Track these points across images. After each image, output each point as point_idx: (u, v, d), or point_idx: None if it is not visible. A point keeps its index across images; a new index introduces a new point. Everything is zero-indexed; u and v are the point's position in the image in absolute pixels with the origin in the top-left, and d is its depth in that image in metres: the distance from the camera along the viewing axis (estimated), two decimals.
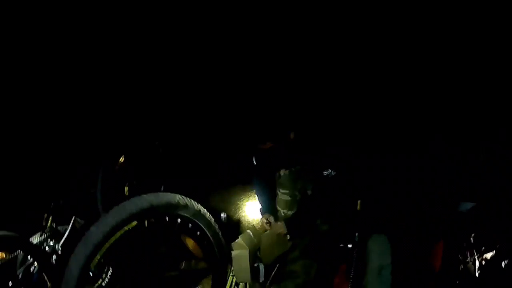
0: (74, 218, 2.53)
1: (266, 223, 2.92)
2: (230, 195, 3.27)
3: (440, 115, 3.23)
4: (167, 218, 2.19)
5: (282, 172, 3.02)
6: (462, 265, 2.74)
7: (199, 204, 2.29)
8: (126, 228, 2.04)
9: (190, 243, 2.32)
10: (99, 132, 3.21)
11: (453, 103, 3.20)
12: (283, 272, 3.05)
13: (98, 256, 1.98)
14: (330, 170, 2.72)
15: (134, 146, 3.18)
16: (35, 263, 2.45)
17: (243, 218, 3.09)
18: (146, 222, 2.14)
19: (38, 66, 3.15)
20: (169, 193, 2.17)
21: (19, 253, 2.48)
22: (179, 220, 2.23)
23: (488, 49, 3.20)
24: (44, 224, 2.69)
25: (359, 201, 3.01)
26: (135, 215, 2.04)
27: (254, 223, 2.91)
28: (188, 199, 2.24)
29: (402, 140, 3.26)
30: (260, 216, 2.97)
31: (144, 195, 2.09)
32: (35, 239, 2.52)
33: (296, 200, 3.05)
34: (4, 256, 2.48)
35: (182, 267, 2.33)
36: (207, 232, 2.33)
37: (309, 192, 3.02)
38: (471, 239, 2.74)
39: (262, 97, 3.42)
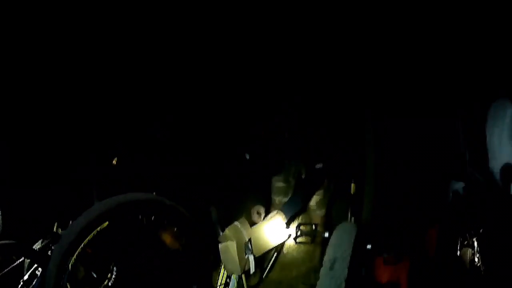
0: (71, 223, 2.71)
1: (257, 213, 2.98)
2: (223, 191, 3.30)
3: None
4: (140, 217, 2.29)
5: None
6: (458, 250, 2.58)
7: (171, 201, 2.37)
8: (98, 228, 2.16)
9: (167, 239, 2.39)
10: (95, 133, 3.34)
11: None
12: (283, 261, 3.09)
13: (74, 257, 2.12)
14: (321, 164, 2.97)
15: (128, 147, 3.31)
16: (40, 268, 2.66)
17: (233, 211, 3.12)
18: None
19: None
20: (139, 193, 2.27)
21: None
22: (153, 217, 2.32)
23: None
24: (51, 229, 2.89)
25: (353, 184, 2.97)
26: (105, 215, 2.16)
27: (244, 215, 2.93)
28: (160, 197, 2.33)
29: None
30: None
31: (114, 196, 2.21)
32: (39, 244, 2.73)
33: (291, 185, 3.17)
34: None
35: (162, 263, 2.41)
36: (184, 227, 2.41)
37: (303, 176, 3.09)
38: (467, 221, 2.57)
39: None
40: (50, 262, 2.08)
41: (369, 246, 2.42)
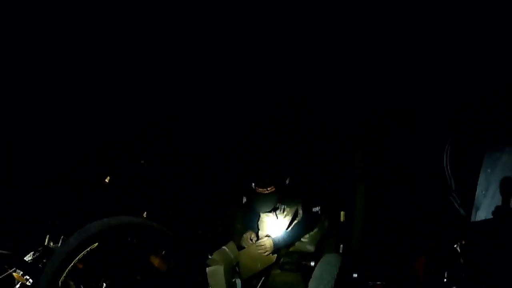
0: (63, 238, 2.78)
1: (250, 239, 3.03)
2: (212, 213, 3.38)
3: None
4: (129, 239, 2.35)
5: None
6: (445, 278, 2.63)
7: (160, 225, 2.44)
8: (88, 248, 2.23)
9: (156, 261, 2.46)
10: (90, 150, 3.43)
11: None
12: (271, 285, 3.14)
13: (64, 274, 2.18)
14: (318, 208, 3.03)
15: (120, 166, 3.39)
16: (30, 280, 2.73)
17: (222, 235, 3.19)
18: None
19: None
20: (129, 216, 2.34)
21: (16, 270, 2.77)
22: (141, 240, 2.39)
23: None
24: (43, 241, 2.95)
25: (342, 212, 3.02)
26: (95, 236, 2.22)
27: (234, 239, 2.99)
28: (150, 221, 2.40)
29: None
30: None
31: (106, 218, 2.28)
32: (30, 256, 2.80)
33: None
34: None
35: (150, 284, 2.47)
36: (171, 250, 2.47)
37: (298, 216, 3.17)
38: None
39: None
40: (42, 277, 2.14)
41: (355, 275, 2.46)
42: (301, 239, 3.13)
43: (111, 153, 3.55)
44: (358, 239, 2.59)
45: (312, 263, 2.63)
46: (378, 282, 2.50)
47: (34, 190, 3.18)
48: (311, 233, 3.13)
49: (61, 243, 2.22)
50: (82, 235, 2.21)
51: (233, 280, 2.76)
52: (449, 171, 2.66)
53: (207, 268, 2.72)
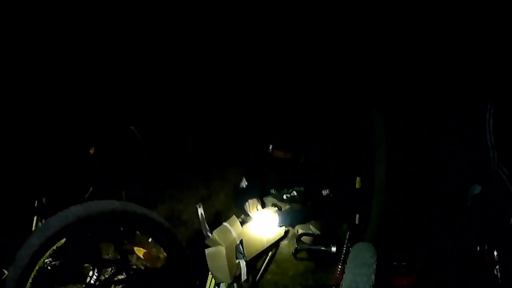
0: (36, 218, 2.40)
1: (255, 208, 2.66)
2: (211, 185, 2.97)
3: None
4: (105, 229, 1.94)
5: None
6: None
7: (144, 208, 2.02)
8: (54, 247, 1.83)
9: (140, 252, 2.05)
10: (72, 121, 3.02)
11: None
12: (279, 259, 2.79)
13: (30, 280, 1.80)
14: (328, 191, 2.72)
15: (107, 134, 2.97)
16: None
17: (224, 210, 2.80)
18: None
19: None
20: (103, 201, 1.92)
21: None
22: (121, 229, 1.98)
23: None
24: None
25: (358, 178, 2.58)
26: (61, 232, 1.82)
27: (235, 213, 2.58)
28: (130, 203, 1.97)
29: None
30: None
31: (72, 207, 1.86)
32: None
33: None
34: None
35: (138, 277, 2.08)
36: (160, 236, 2.06)
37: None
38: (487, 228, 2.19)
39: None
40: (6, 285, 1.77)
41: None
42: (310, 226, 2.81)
43: (94, 119, 3.10)
44: (377, 213, 2.14)
45: (334, 249, 2.19)
46: (403, 263, 2.07)
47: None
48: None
49: (24, 244, 1.80)
50: (45, 233, 1.81)
51: (237, 261, 2.36)
52: (492, 140, 2.16)
53: (206, 250, 2.32)
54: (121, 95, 3.31)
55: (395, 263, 2.08)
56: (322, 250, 2.18)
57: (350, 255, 1.93)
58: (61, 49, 3.10)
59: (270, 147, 2.72)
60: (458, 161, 2.44)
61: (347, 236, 2.14)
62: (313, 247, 2.25)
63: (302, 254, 2.46)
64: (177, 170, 3.12)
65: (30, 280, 1.82)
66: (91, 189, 2.88)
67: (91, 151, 2.82)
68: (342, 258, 2.02)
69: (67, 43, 3.08)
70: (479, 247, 2.14)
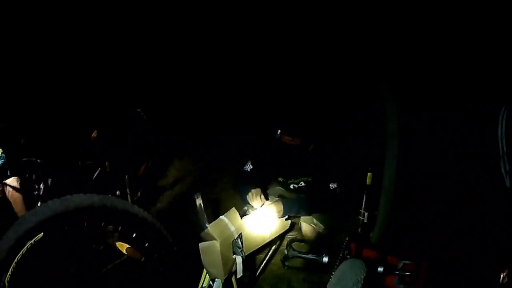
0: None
1: (259, 198, 2.48)
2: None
3: None
4: (85, 224, 1.86)
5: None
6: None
7: (126, 202, 1.93)
8: (31, 242, 1.78)
9: (123, 247, 1.97)
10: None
11: None
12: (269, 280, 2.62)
13: (7, 275, 1.77)
14: (335, 184, 2.54)
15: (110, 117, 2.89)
16: None
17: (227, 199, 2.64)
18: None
19: None
20: (81, 195, 1.83)
21: None
22: (102, 223, 1.90)
23: None
24: None
25: (369, 174, 2.34)
26: (37, 227, 1.76)
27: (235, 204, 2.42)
28: (110, 197, 1.88)
29: None
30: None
31: (50, 201, 1.79)
32: None
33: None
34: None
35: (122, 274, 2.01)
36: (143, 232, 1.96)
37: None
38: None
39: None
40: None
41: (380, 269, 1.83)
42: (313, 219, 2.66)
43: (98, 101, 3.03)
44: (385, 212, 1.89)
45: (325, 259, 1.99)
46: (407, 273, 1.83)
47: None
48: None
49: (2, 238, 1.76)
50: (21, 228, 1.76)
51: (233, 257, 2.23)
52: (504, 147, 1.90)
53: (200, 244, 2.21)
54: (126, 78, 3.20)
55: (399, 272, 1.84)
56: (314, 259, 1.98)
57: (336, 273, 1.72)
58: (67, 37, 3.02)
59: (278, 131, 2.53)
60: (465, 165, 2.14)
61: (344, 244, 1.93)
62: (304, 256, 2.05)
63: (292, 262, 2.26)
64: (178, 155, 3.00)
65: (9, 273, 1.78)
66: (98, 170, 2.85)
67: (94, 135, 2.76)
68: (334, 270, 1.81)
69: (74, 29, 3.00)
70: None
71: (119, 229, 1.97)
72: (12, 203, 2.68)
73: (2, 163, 2.59)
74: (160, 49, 3.33)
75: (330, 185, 2.53)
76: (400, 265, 1.85)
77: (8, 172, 2.65)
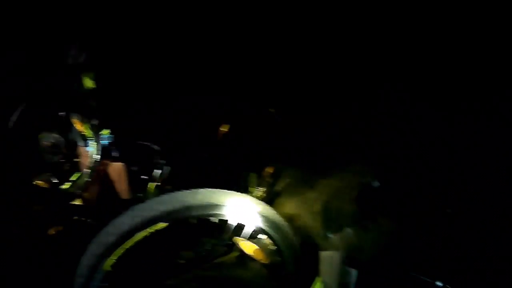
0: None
1: None
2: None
3: None
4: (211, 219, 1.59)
5: None
6: None
7: (264, 203, 1.63)
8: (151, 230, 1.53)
9: (245, 246, 1.72)
10: None
11: None
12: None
13: (112, 258, 1.53)
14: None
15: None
16: None
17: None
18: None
19: None
20: (215, 190, 1.56)
21: None
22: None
23: None
24: None
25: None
26: (163, 217, 1.51)
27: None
28: (243, 195, 1.63)
29: None
30: None
31: (180, 192, 1.54)
32: None
33: None
34: None
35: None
36: (271, 234, 1.70)
37: None
38: None
39: None
40: (83, 260, 1.54)
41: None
42: None
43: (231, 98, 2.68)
44: None
45: None
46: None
47: None
48: None
49: (113, 220, 1.52)
50: (140, 214, 1.51)
51: (349, 269, 1.97)
52: None
53: (321, 252, 1.94)
54: None
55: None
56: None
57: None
58: None
59: None
60: None
61: None
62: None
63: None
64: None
65: (114, 258, 1.53)
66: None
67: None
68: None
69: None
70: None
71: (249, 230, 1.66)
72: (115, 182, 2.48)
73: (108, 144, 2.37)
74: None
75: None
76: None
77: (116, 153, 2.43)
